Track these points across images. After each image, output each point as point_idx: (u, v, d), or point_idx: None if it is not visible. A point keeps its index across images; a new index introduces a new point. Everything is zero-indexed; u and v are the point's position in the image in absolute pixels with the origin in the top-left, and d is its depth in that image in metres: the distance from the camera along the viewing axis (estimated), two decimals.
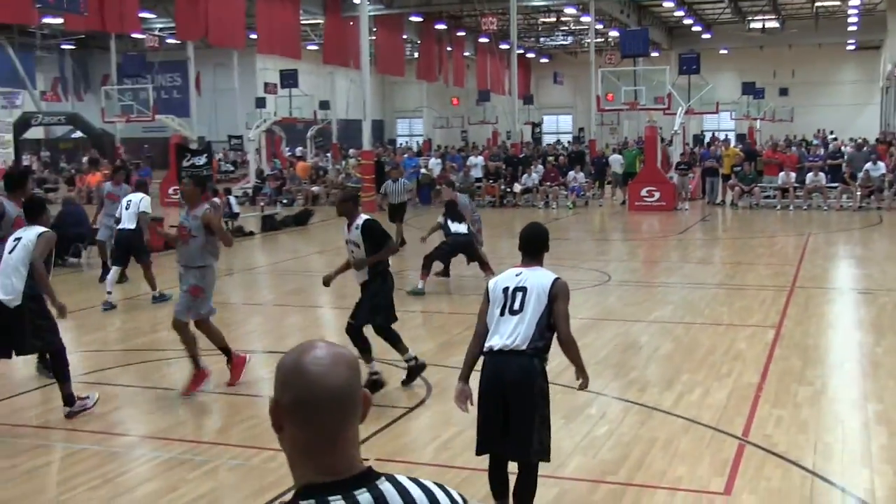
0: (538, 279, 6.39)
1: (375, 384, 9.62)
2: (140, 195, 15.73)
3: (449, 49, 53.81)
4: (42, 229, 9.44)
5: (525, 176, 33.88)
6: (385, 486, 2.44)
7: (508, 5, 40.78)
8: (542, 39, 65.05)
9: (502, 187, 33.69)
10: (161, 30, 47.48)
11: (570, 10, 50.62)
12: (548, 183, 33.32)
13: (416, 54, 53.68)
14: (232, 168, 46.65)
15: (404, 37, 49.90)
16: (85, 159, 47.19)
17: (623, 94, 32.74)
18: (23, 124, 46.52)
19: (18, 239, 9.30)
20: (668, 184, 30.65)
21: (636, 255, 22.77)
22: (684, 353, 11.70)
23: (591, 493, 7.22)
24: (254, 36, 40.44)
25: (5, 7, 26.79)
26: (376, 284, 9.91)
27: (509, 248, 22.80)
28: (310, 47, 52.04)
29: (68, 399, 9.28)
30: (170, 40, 47.94)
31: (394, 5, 46.62)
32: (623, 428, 8.76)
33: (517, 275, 6.46)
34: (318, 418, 2.41)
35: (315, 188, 35.63)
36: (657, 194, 30.24)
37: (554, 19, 58.17)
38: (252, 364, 10.93)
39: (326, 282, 10.56)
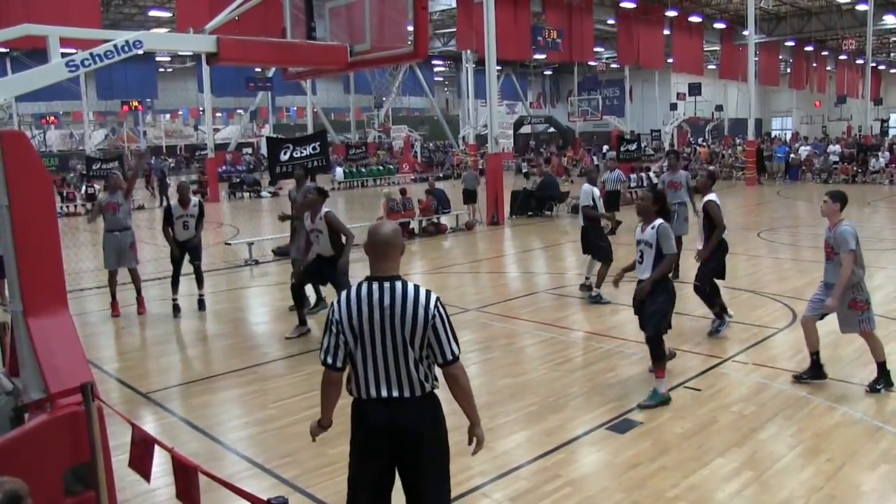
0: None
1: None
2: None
3: (815, 65, 48.34)
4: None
5: (873, 160, 30.06)
6: (399, 282, 3.29)
7: (865, 30, 35.73)
8: (891, 54, 56.44)
9: (854, 168, 30.13)
10: (607, 58, 47.36)
11: None
12: (893, 165, 29.37)
13: (788, 69, 48.82)
14: (652, 152, 45.74)
15: (780, 57, 45.46)
16: (553, 148, 48.55)
17: None
18: (518, 124, 48.98)
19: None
20: None
21: None
22: None
23: None
24: (670, 60, 39.21)
25: (513, 49, 27.86)
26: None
27: (856, 215, 20.33)
28: (710, 67, 49.35)
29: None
30: (613, 65, 47.59)
31: (773, 34, 42.92)
32: None
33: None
34: (377, 248, 3.34)
35: (712, 167, 33.45)
36: None
37: None
38: None
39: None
